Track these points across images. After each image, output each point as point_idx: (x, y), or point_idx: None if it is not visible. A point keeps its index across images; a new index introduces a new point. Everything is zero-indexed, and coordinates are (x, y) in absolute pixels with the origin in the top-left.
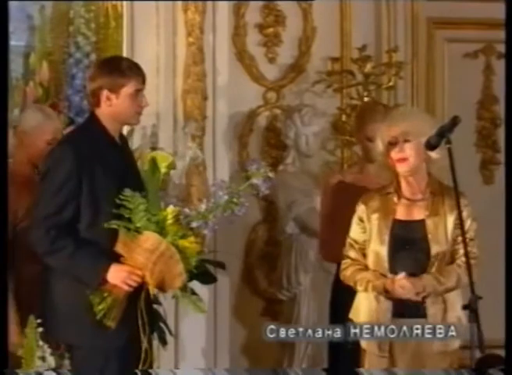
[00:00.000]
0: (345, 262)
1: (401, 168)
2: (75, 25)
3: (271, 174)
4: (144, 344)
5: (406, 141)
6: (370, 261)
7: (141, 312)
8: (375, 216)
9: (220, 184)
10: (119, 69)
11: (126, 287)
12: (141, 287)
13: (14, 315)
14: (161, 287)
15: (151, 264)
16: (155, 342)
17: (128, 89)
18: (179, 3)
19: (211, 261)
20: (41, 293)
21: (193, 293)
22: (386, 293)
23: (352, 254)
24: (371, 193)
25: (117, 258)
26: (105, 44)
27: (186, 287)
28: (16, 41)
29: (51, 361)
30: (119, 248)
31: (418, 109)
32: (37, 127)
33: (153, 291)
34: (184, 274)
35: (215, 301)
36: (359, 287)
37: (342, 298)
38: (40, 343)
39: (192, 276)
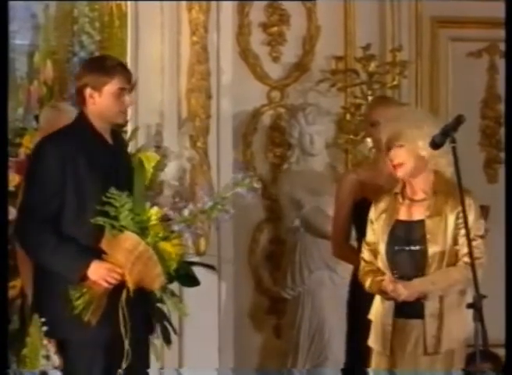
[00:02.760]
0: (361, 265)
1: (399, 173)
2: (79, 24)
3: (256, 185)
4: (126, 343)
5: (400, 146)
6: (378, 262)
7: (123, 311)
8: (382, 217)
9: (207, 189)
10: (103, 67)
11: (105, 284)
12: (123, 286)
13: None
14: (141, 287)
15: (130, 264)
16: (159, 341)
17: (111, 87)
18: (184, 2)
19: (202, 263)
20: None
21: (173, 295)
22: (383, 294)
23: (365, 256)
24: (383, 194)
25: (99, 255)
26: (110, 43)
27: (166, 289)
28: (21, 39)
29: (56, 360)
30: (104, 244)
31: (411, 110)
32: (51, 121)
33: (132, 290)
34: (162, 276)
35: (219, 299)
36: (367, 288)
37: (359, 297)
38: (45, 342)
39: (174, 278)
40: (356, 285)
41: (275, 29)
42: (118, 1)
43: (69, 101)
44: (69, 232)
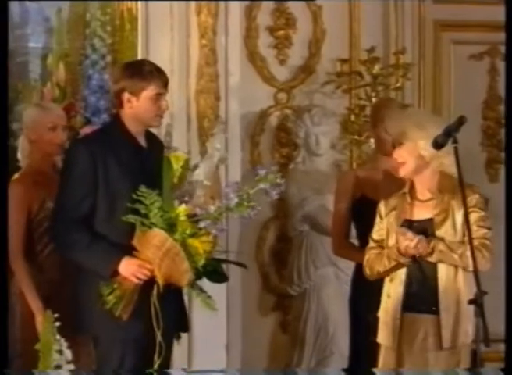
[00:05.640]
0: (368, 254)
1: (401, 172)
2: (91, 27)
3: (279, 180)
4: (158, 338)
5: (400, 144)
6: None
7: (154, 306)
8: (391, 215)
9: (232, 186)
10: (141, 72)
11: (135, 280)
12: (154, 282)
13: (38, 305)
14: (170, 283)
15: (158, 260)
16: None
17: (148, 92)
18: (193, 6)
19: (230, 261)
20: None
21: (202, 291)
22: (402, 256)
23: (374, 249)
24: (393, 193)
25: (129, 252)
26: (121, 46)
27: (194, 285)
28: (34, 42)
29: (69, 354)
30: (135, 241)
31: (414, 111)
32: (36, 119)
33: (162, 286)
34: (190, 272)
35: (227, 296)
36: (381, 270)
37: (361, 294)
38: (58, 337)
39: (202, 275)
40: (357, 282)
41: (281, 32)
42: (129, 5)
43: (82, 102)
44: (101, 230)
